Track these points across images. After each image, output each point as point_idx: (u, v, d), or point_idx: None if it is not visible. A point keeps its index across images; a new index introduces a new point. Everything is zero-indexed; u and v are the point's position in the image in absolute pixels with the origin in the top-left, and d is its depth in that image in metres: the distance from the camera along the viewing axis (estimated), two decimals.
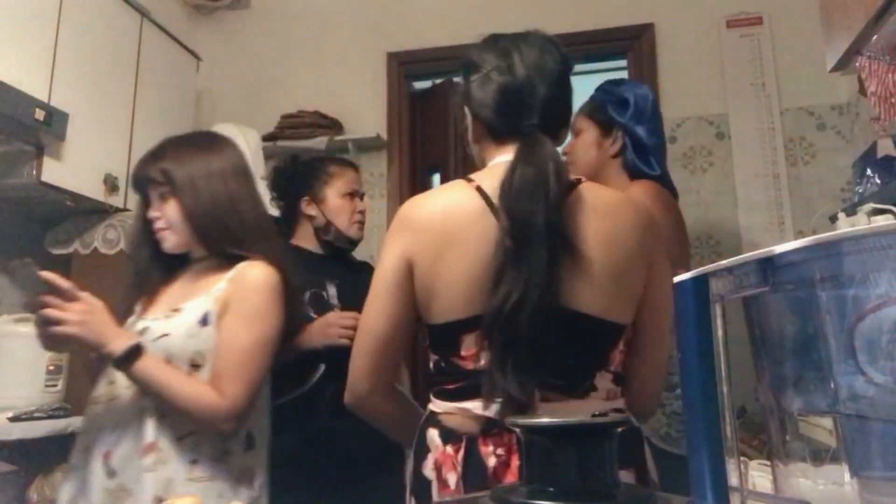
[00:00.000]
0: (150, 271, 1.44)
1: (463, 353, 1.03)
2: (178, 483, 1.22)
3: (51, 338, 1.20)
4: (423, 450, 1.05)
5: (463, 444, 1.00)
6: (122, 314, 1.37)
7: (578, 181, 1.07)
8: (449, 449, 1.01)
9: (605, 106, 1.60)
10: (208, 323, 1.28)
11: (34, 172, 2.06)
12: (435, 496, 1.01)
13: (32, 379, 1.98)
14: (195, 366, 1.27)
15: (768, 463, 0.58)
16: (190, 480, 1.23)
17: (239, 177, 1.41)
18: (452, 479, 1.00)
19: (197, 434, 1.26)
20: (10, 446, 1.68)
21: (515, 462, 0.97)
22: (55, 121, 2.02)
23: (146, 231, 1.41)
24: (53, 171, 2.10)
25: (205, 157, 1.38)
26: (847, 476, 0.52)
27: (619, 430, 0.49)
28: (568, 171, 1.04)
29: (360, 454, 1.75)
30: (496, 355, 0.96)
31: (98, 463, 1.26)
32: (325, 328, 1.69)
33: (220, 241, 1.35)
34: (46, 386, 1.97)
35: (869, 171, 1.97)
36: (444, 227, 1.04)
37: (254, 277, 1.31)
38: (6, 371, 1.95)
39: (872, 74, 1.70)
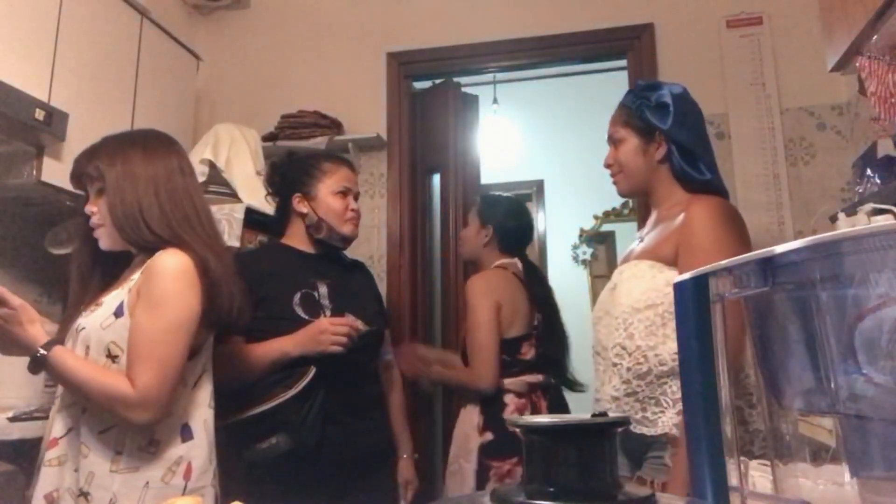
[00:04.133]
0: (92, 271, 1.45)
1: (522, 351, 2.22)
2: (100, 475, 1.25)
3: None
4: (500, 405, 2.13)
5: (528, 398, 2.16)
6: (69, 316, 1.40)
7: None
8: (522, 400, 2.14)
9: (642, 112, 1.52)
10: (122, 313, 1.30)
11: (34, 172, 2.06)
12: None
13: (32, 379, 1.97)
14: (112, 357, 1.29)
15: (768, 463, 0.58)
16: (113, 472, 1.25)
17: (174, 178, 1.40)
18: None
19: (120, 426, 1.27)
20: (10, 446, 1.67)
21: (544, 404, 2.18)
22: (55, 121, 2.02)
23: (88, 229, 1.42)
24: (53, 171, 2.09)
25: (138, 158, 1.38)
26: (847, 476, 0.52)
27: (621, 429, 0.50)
28: None
29: (351, 458, 1.74)
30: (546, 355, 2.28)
31: None
32: (318, 335, 1.67)
33: (144, 241, 1.35)
34: (46, 386, 1.97)
35: (869, 171, 1.96)
36: (510, 286, 2.26)
37: (162, 264, 1.31)
38: (6, 371, 1.95)
39: (872, 74, 1.70)
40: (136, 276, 1.33)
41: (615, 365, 1.41)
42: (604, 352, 1.49)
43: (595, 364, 1.55)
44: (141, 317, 1.28)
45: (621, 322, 1.42)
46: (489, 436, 2.09)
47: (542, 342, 2.27)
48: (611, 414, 1.34)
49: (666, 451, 1.34)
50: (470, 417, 2.14)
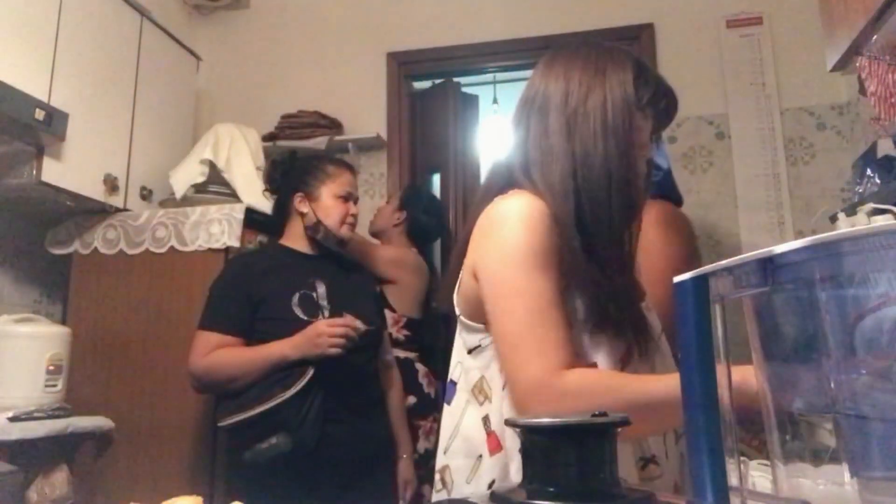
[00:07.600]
0: None
1: None
2: None
3: None
4: (413, 371, 2.00)
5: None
6: None
7: None
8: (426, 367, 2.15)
9: None
10: None
11: (34, 172, 2.05)
12: None
13: (32, 379, 1.97)
14: None
15: (768, 463, 0.58)
16: None
17: None
18: None
19: None
20: (10, 446, 1.67)
21: None
22: (55, 121, 2.02)
23: None
24: (53, 171, 2.09)
25: None
26: (847, 476, 0.52)
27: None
28: None
29: (350, 458, 1.74)
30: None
31: None
32: (315, 338, 1.66)
33: None
34: (46, 386, 1.97)
35: (869, 171, 1.96)
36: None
37: None
38: (6, 371, 1.95)
39: (872, 74, 1.70)
40: None
41: None
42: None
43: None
44: None
45: None
46: (412, 399, 2.21)
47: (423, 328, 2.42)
48: None
49: None
50: None
